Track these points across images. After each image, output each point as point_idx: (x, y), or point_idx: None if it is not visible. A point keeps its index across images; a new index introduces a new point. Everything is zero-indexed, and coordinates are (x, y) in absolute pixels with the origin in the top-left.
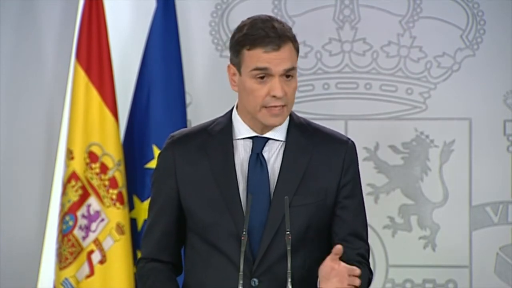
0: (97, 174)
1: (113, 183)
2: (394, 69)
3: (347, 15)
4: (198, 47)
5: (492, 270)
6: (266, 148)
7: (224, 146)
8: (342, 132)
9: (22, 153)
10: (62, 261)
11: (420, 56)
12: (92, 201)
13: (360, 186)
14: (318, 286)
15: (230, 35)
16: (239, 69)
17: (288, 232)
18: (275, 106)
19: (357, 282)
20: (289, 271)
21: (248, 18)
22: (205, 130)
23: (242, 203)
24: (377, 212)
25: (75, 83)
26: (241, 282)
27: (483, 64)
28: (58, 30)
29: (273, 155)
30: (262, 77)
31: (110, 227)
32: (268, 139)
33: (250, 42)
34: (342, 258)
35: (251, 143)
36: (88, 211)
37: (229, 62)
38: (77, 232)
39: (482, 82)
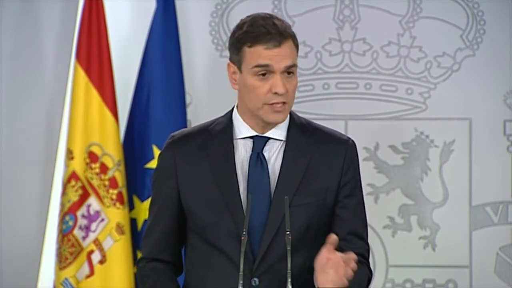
0: (97, 174)
1: (113, 183)
2: (394, 69)
3: (347, 15)
4: (198, 47)
5: (492, 270)
6: (266, 148)
7: (224, 146)
8: (342, 132)
9: (22, 153)
10: (62, 261)
11: (420, 56)
12: (92, 201)
13: (361, 186)
14: (314, 280)
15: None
16: (239, 67)
17: (288, 232)
18: (277, 103)
19: (350, 273)
20: (289, 271)
21: (248, 16)
22: (205, 130)
23: (243, 203)
24: (377, 212)
25: (75, 83)
26: (241, 282)
27: (483, 64)
28: (58, 30)
29: (274, 155)
30: (263, 74)
31: (110, 227)
32: (269, 138)
33: (251, 39)
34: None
35: (252, 143)
36: (88, 211)
37: (228, 61)
38: (77, 232)
39: (482, 82)
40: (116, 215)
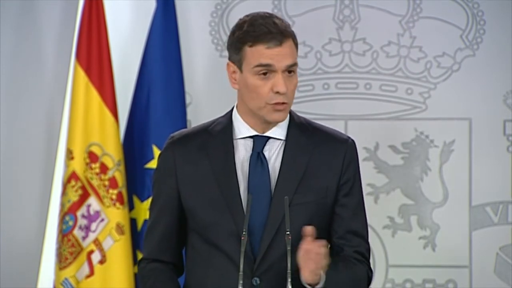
0: (97, 174)
1: (113, 183)
2: (394, 69)
3: (347, 15)
4: (198, 47)
5: (492, 270)
6: (266, 147)
7: (224, 146)
8: (342, 132)
9: (22, 153)
10: (62, 261)
11: (420, 56)
12: (92, 201)
13: (360, 185)
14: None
15: None
16: (240, 66)
17: (288, 232)
18: (278, 103)
19: (322, 261)
20: (289, 270)
21: (247, 16)
22: (205, 130)
23: (243, 203)
24: (377, 212)
25: (75, 83)
26: (241, 282)
27: (483, 64)
28: (58, 30)
29: (274, 154)
30: (264, 73)
31: (110, 227)
32: (269, 138)
33: (252, 38)
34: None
35: (252, 142)
36: (88, 211)
37: (228, 61)
38: (77, 232)
39: (482, 82)
40: (116, 215)
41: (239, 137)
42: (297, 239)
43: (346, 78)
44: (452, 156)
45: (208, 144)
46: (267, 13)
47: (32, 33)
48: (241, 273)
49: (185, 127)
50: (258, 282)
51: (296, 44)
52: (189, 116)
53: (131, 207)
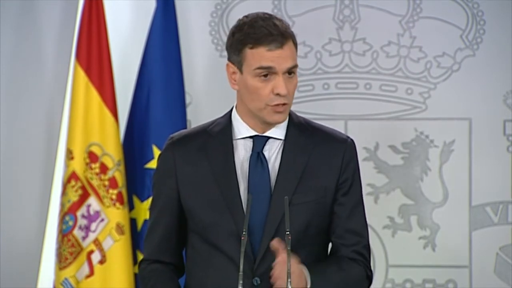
0: (97, 174)
1: (113, 183)
2: (394, 69)
3: (347, 15)
4: (198, 47)
5: (492, 270)
6: (266, 147)
7: (224, 146)
8: (342, 132)
9: (22, 153)
10: (62, 261)
11: (420, 56)
12: (92, 201)
13: (360, 185)
14: None
15: None
16: (240, 68)
17: (288, 233)
18: (279, 104)
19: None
20: (289, 270)
21: (246, 16)
22: (204, 131)
23: (243, 203)
24: (377, 212)
25: (75, 83)
26: (241, 282)
27: (483, 64)
28: (58, 30)
29: (274, 154)
30: (265, 75)
31: (110, 227)
32: (269, 138)
33: (253, 40)
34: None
35: (252, 143)
36: (88, 211)
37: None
38: (77, 232)
39: (482, 82)
40: (116, 215)
41: (239, 137)
42: (297, 239)
43: (346, 78)
44: (452, 156)
45: (208, 144)
46: (267, 14)
47: (32, 33)
48: (241, 273)
49: (185, 127)
50: (259, 282)
51: (296, 45)
52: (189, 116)
53: (131, 207)
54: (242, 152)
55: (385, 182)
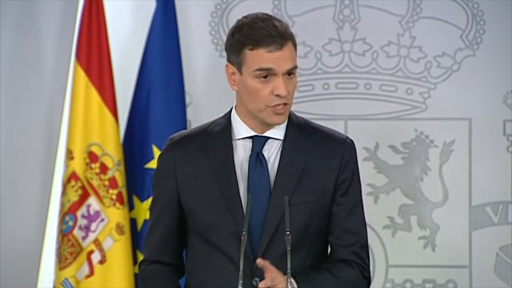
0: (97, 174)
1: (113, 183)
2: (394, 69)
3: (347, 15)
4: (198, 47)
5: (492, 270)
6: (266, 147)
7: (223, 146)
8: (342, 132)
9: (22, 153)
10: (62, 261)
11: (420, 56)
12: (92, 201)
13: (359, 185)
14: None
15: None
16: (239, 69)
17: (288, 233)
18: (279, 105)
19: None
20: (289, 271)
21: (245, 17)
22: (204, 131)
23: (243, 203)
24: (377, 212)
25: (75, 83)
26: (240, 282)
27: (483, 64)
28: (58, 30)
29: (273, 154)
30: (265, 77)
31: (110, 227)
32: (268, 138)
33: (253, 42)
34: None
35: (251, 143)
36: (88, 211)
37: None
38: (77, 232)
39: (482, 82)
40: (116, 215)
41: (238, 137)
42: (297, 239)
43: (346, 78)
44: (452, 156)
45: (208, 145)
46: (266, 14)
47: (32, 33)
48: (241, 273)
49: (185, 127)
50: (258, 282)
51: (295, 46)
52: (189, 116)
53: (131, 207)
54: (242, 153)
55: (385, 182)
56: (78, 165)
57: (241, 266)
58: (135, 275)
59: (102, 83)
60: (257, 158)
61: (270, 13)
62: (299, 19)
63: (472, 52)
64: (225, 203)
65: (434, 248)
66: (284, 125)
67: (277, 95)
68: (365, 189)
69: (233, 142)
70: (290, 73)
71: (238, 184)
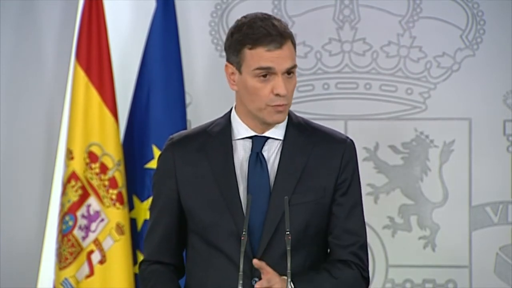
0: (97, 174)
1: (113, 183)
2: (394, 69)
3: (347, 15)
4: (198, 47)
5: (492, 270)
6: (265, 147)
7: (223, 146)
8: (342, 132)
9: (22, 153)
10: (62, 261)
11: (420, 56)
12: (92, 201)
13: (359, 185)
14: None
15: None
16: (239, 68)
17: (288, 232)
18: (279, 105)
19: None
20: (289, 271)
21: (244, 17)
22: (204, 132)
23: (242, 203)
24: (377, 212)
25: (75, 83)
26: (240, 282)
27: (483, 64)
28: (58, 30)
29: (273, 154)
30: (264, 76)
31: (110, 227)
32: (268, 138)
33: (252, 41)
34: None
35: (251, 143)
36: (88, 211)
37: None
38: (77, 232)
39: (482, 82)
40: (116, 215)
41: (238, 137)
42: (297, 239)
43: (346, 78)
44: (452, 156)
45: (207, 145)
46: (265, 14)
47: (32, 33)
48: (241, 273)
49: (185, 127)
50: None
51: (294, 45)
52: (189, 116)
53: (131, 207)
54: (242, 153)
55: (385, 182)
56: (78, 165)
57: (241, 266)
58: (135, 275)
59: (102, 83)
60: (257, 158)
61: (270, 13)
62: (299, 19)
63: (472, 52)
64: (225, 203)
65: (434, 248)
66: (284, 125)
67: (277, 94)
68: (365, 189)
69: (233, 142)
70: (290, 72)
71: (238, 184)
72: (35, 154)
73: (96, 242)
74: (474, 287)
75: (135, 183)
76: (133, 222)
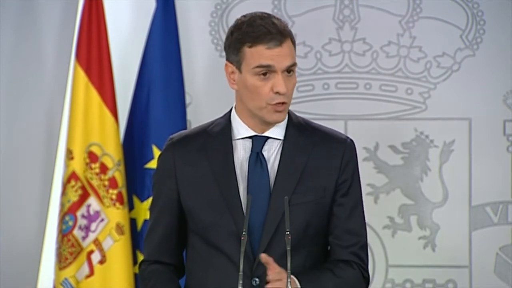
0: (97, 174)
1: (112, 183)
2: (394, 69)
3: (347, 15)
4: (198, 47)
5: (492, 270)
6: (265, 147)
7: (223, 146)
8: (342, 132)
9: (22, 153)
10: (62, 261)
11: (420, 56)
12: (92, 201)
13: (359, 185)
14: None
15: None
16: (239, 67)
17: (288, 233)
18: (279, 103)
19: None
20: (289, 271)
21: (244, 16)
22: (204, 131)
23: (242, 203)
24: (377, 212)
25: (75, 83)
26: (240, 282)
27: (483, 64)
28: (58, 30)
29: (273, 154)
30: (264, 74)
31: (109, 227)
32: (268, 138)
33: (252, 39)
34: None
35: (251, 143)
36: (88, 211)
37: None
38: (77, 232)
39: (482, 82)
40: (116, 215)
41: (238, 137)
42: (297, 239)
43: (346, 78)
44: (452, 156)
45: (207, 145)
46: (265, 13)
47: (32, 33)
48: (241, 273)
49: (185, 127)
50: (258, 282)
51: (294, 44)
52: (189, 116)
53: (131, 207)
54: (242, 153)
55: (385, 182)
56: (78, 165)
57: (241, 266)
58: (135, 275)
59: (102, 83)
60: (257, 158)
61: (270, 13)
62: (299, 19)
63: (472, 52)
64: (225, 203)
65: (434, 248)
66: (284, 125)
67: (277, 92)
68: (365, 189)
69: (233, 142)
70: (290, 70)
71: (238, 184)
72: (35, 154)
73: (96, 242)
74: (474, 287)
75: (135, 183)
76: (133, 222)
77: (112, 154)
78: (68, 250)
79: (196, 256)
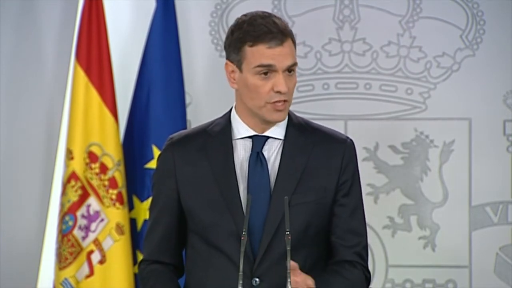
0: (96, 174)
1: (112, 183)
2: (394, 69)
3: (347, 15)
4: (198, 47)
5: (492, 270)
6: (266, 147)
7: (223, 146)
8: (342, 132)
9: (22, 153)
10: (61, 261)
11: (420, 56)
12: (92, 201)
13: (359, 185)
14: None
15: None
16: (239, 66)
17: (288, 232)
18: (279, 102)
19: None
20: (288, 271)
21: (245, 15)
22: (204, 131)
23: (242, 203)
24: (377, 212)
25: (75, 83)
26: (240, 282)
27: (483, 64)
28: (58, 30)
29: (273, 154)
30: (265, 73)
31: (109, 227)
32: (268, 137)
33: (253, 38)
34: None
35: (251, 143)
36: (88, 211)
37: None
38: (77, 232)
39: (482, 82)
40: (116, 215)
41: (238, 137)
42: (297, 239)
43: (346, 78)
44: (452, 156)
45: (207, 145)
46: (266, 12)
47: (32, 33)
48: (241, 273)
49: (185, 127)
50: (258, 282)
51: (294, 43)
52: (189, 116)
53: (131, 207)
54: (242, 152)
55: (385, 182)
56: (78, 165)
57: (241, 266)
58: (135, 275)
59: (102, 83)
60: (257, 157)
61: (268, 11)
62: (299, 19)
63: (472, 52)
64: (225, 203)
65: (434, 248)
66: (284, 125)
67: (277, 92)
68: (365, 189)
69: (233, 142)
70: (290, 70)
71: (238, 184)
72: (35, 154)
73: (96, 242)
74: (474, 287)
75: (135, 183)
76: (133, 222)
77: (112, 154)
78: (68, 250)
79: (196, 256)
